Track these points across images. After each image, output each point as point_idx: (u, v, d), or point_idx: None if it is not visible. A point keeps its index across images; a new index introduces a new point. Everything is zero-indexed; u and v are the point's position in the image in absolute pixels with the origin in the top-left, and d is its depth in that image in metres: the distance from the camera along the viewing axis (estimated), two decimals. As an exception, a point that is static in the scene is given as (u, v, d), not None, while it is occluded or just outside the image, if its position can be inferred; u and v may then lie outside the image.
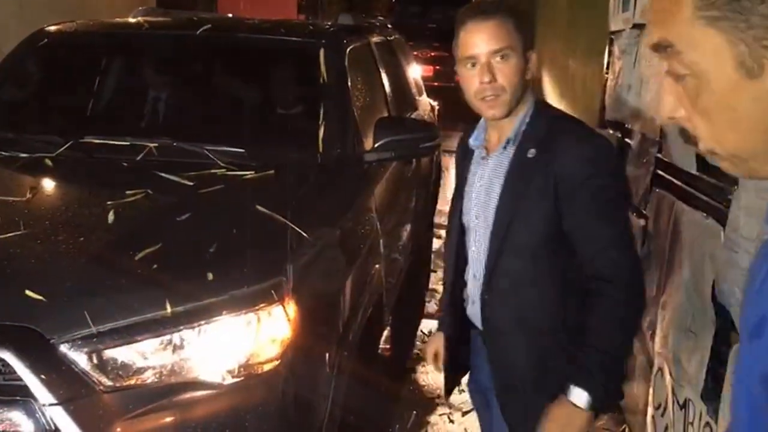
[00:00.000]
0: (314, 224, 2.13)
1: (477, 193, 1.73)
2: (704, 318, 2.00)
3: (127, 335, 1.70)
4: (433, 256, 5.12)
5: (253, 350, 1.80)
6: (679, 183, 2.37)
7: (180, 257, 1.88)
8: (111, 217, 2.02)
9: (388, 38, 4.06)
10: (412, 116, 3.81)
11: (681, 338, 2.18)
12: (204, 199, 2.18)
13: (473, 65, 1.62)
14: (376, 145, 2.66)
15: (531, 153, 1.63)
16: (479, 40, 1.60)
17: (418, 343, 3.85)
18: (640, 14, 3.03)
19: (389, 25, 4.64)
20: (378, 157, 2.70)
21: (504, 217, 1.65)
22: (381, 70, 3.48)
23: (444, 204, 6.02)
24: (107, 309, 1.71)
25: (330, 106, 2.69)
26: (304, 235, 2.01)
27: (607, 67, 3.65)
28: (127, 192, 2.16)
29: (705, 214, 2.08)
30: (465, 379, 3.39)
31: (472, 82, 1.64)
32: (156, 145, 2.48)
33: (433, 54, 11.38)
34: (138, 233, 1.99)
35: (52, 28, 3.12)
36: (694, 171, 2.21)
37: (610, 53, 3.59)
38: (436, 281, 4.72)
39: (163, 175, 2.29)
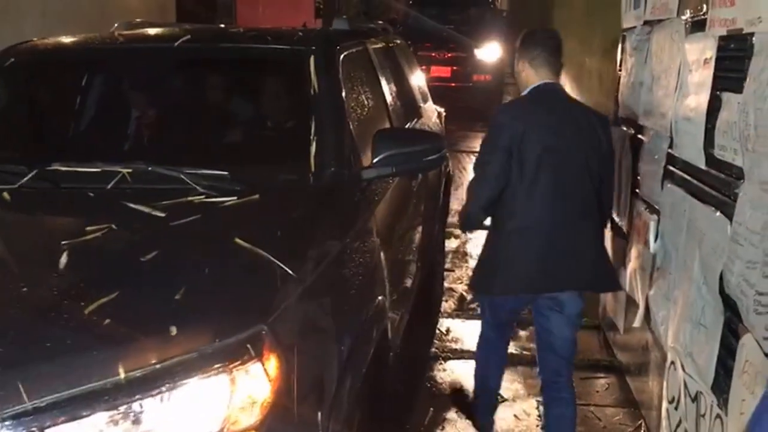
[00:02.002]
0: (303, 258, 1.87)
1: None
2: (714, 311, 2.02)
3: (71, 409, 1.41)
4: (451, 256, 5.16)
5: (228, 418, 1.52)
6: (689, 178, 2.39)
7: (139, 308, 1.60)
8: (63, 260, 1.74)
9: (389, 44, 3.84)
10: (416, 126, 3.59)
11: (692, 332, 2.20)
12: (176, 233, 1.92)
13: None
14: (375, 161, 2.41)
15: None
16: None
17: (435, 341, 3.89)
18: (650, 11, 3.05)
19: (399, 27, 4.57)
20: (377, 174, 2.45)
21: None
22: (381, 77, 3.25)
23: (458, 204, 6.02)
24: (46, 378, 1.42)
25: (322, 119, 2.45)
26: (290, 272, 1.73)
27: (620, 64, 3.66)
28: (87, 228, 1.88)
29: (714, 208, 2.10)
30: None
31: None
32: (129, 170, 2.24)
33: (450, 55, 11.38)
34: (92, 279, 1.70)
35: (21, 46, 2.91)
36: (702, 166, 2.22)
37: (623, 50, 3.60)
38: (454, 280, 4.76)
39: (132, 205, 2.04)
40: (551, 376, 2.72)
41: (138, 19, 3.49)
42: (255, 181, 2.21)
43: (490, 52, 11.25)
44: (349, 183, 2.39)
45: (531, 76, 2.64)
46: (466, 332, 3.94)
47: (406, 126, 3.40)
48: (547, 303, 2.63)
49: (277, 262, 1.74)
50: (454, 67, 11.32)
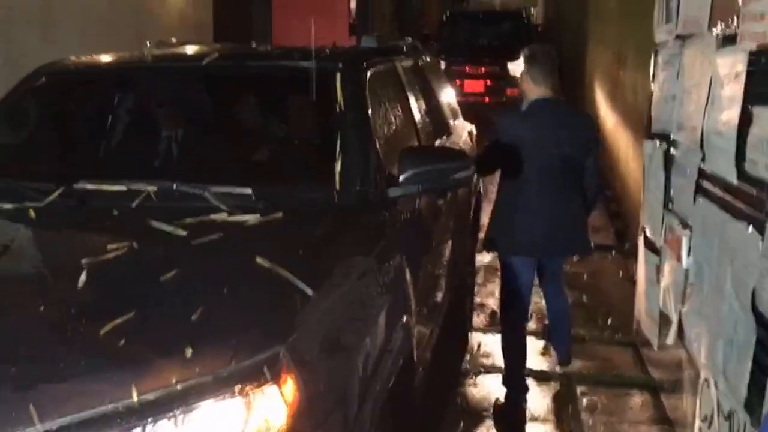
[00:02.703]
0: (325, 277, 1.85)
1: None
2: (746, 328, 1.99)
3: None
4: (483, 271, 5.15)
5: None
6: (720, 193, 2.36)
7: (155, 328, 1.59)
8: (82, 279, 1.75)
9: (418, 60, 3.85)
10: (446, 143, 3.57)
11: (726, 348, 2.17)
12: (196, 252, 1.92)
13: None
14: (401, 179, 2.43)
15: None
16: None
17: (466, 356, 3.89)
18: (682, 26, 3.03)
19: (433, 42, 4.54)
20: (403, 192, 2.45)
21: None
22: (409, 95, 3.25)
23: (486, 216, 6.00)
24: (58, 400, 1.41)
25: (348, 137, 2.46)
26: (310, 292, 1.71)
27: (653, 78, 3.63)
28: (108, 247, 1.89)
29: (746, 224, 2.08)
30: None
31: None
32: (155, 188, 2.26)
33: (483, 70, 11.41)
34: (110, 299, 1.72)
35: (52, 65, 2.96)
36: (734, 181, 2.20)
37: (655, 64, 3.58)
38: (486, 295, 4.74)
39: (155, 224, 2.05)
40: (546, 294, 3.59)
41: (173, 39, 3.54)
42: (279, 200, 2.21)
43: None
44: (375, 201, 2.38)
45: (532, 89, 3.25)
46: (496, 347, 3.91)
47: (435, 143, 3.37)
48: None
49: (298, 281, 1.73)
50: (488, 82, 11.34)
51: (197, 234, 1.98)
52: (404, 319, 2.27)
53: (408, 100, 3.22)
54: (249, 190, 2.24)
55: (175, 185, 2.27)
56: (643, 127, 3.96)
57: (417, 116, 3.23)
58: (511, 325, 3.42)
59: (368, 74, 2.80)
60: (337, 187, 2.33)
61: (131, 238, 1.96)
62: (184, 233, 2.00)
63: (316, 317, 1.73)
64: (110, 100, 2.92)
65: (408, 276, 2.37)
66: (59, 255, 2.08)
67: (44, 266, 2.02)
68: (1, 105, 2.83)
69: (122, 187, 2.30)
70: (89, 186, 2.32)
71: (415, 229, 2.68)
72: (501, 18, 13.60)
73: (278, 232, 2.08)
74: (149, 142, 2.76)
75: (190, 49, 3.23)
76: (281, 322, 1.64)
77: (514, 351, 3.38)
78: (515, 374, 3.38)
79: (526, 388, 3.39)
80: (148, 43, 3.33)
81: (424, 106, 3.45)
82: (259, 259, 1.80)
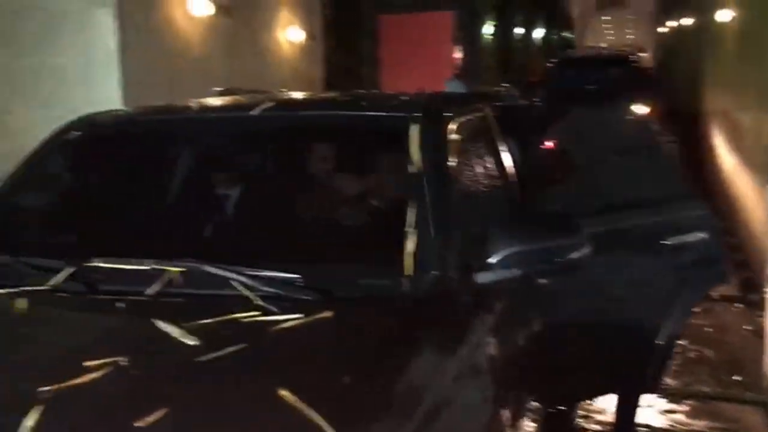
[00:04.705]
0: (378, 422, 1.31)
1: None
2: None
3: None
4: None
5: None
6: None
7: None
8: (30, 419, 1.24)
9: (515, 108, 3.13)
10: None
11: None
12: (200, 375, 1.42)
13: None
14: (494, 260, 1.86)
15: None
16: None
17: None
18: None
19: (539, 89, 4.26)
20: (497, 278, 1.87)
21: None
22: (502, 150, 2.55)
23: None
24: None
25: (423, 205, 1.88)
26: None
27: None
28: (86, 364, 1.39)
29: None
30: None
31: None
32: (182, 269, 1.76)
33: (593, 115, 11.17)
34: None
35: (83, 119, 2.46)
36: None
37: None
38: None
39: (160, 325, 1.55)
40: None
41: (244, 88, 3.03)
42: (332, 287, 1.72)
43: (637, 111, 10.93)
44: (458, 290, 1.83)
45: None
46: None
47: (542, 211, 2.46)
48: None
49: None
50: (598, 128, 11.09)
51: (212, 342, 1.48)
52: None
53: (501, 156, 2.53)
54: (297, 276, 1.75)
55: (206, 267, 1.77)
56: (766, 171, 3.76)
57: (513, 176, 2.54)
58: None
59: (451, 126, 2.22)
60: (408, 271, 1.78)
61: (122, 350, 1.47)
62: (194, 342, 1.50)
63: None
64: (143, 159, 2.43)
65: (506, 402, 1.85)
66: (16, 378, 1.45)
67: None
68: (21, 165, 2.35)
69: (144, 267, 1.80)
70: (103, 264, 1.84)
71: (519, 327, 2.09)
72: (609, 63, 13.36)
73: (321, 342, 1.57)
74: (186, 210, 2.34)
75: (242, 99, 2.70)
76: None
77: None
78: None
79: None
80: (211, 89, 2.93)
81: (522, 163, 2.67)
82: (283, 392, 1.29)
